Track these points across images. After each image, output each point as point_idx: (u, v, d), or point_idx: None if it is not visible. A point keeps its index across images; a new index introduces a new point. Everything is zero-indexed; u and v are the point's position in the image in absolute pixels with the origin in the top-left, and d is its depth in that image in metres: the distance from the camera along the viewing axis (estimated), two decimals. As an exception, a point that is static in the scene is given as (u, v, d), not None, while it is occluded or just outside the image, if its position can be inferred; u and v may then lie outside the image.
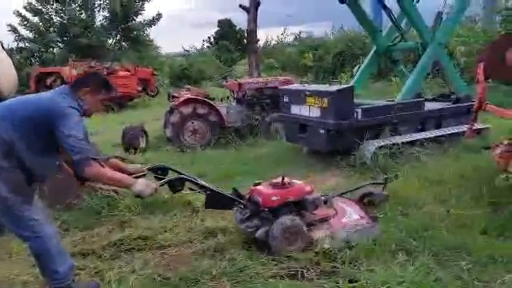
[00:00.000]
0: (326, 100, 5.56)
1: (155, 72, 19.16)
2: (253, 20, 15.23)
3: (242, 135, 7.75)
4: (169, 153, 7.13)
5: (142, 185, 2.63)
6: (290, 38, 27.47)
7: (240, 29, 28.96)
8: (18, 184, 2.55)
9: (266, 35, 40.65)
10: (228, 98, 8.91)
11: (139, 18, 24.59)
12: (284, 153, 6.59)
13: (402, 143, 5.63)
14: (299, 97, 6.02)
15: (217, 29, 30.85)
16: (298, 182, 3.43)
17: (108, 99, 2.92)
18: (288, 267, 2.95)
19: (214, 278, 2.81)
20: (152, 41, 26.29)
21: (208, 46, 31.77)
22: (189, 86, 9.20)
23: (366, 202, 3.93)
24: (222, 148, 7.37)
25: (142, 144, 7.75)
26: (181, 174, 3.19)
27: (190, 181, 3.05)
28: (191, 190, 3.27)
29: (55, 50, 24.05)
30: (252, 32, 15.50)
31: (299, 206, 3.30)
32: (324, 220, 3.36)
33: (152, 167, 3.17)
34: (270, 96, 7.93)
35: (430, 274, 2.61)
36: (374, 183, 4.19)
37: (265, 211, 3.20)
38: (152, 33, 27.22)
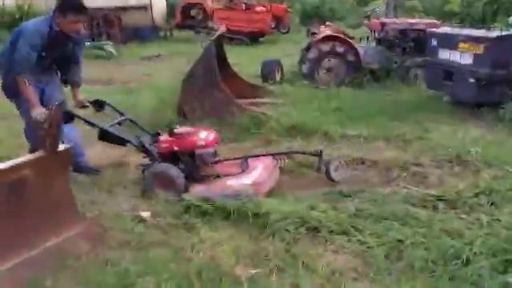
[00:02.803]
0: (482, 46, 5.18)
1: (289, 9, 19.21)
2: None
3: (377, 77, 7.60)
4: (304, 87, 7.36)
5: (36, 112, 3.15)
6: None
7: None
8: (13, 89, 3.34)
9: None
10: (368, 37, 8.69)
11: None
12: (422, 99, 6.39)
13: None
14: (450, 41, 5.68)
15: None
16: (201, 134, 3.41)
17: (81, 21, 3.34)
18: (425, 200, 3.11)
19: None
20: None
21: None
22: (329, 23, 9.15)
23: None
24: (356, 88, 7.37)
25: (278, 77, 8.17)
26: (117, 110, 3.69)
27: (79, 117, 3.33)
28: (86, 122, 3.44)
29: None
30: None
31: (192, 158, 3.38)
32: (218, 177, 3.36)
33: (91, 101, 3.67)
34: (414, 39, 7.54)
35: None
36: (306, 153, 3.84)
37: (153, 155, 3.39)
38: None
